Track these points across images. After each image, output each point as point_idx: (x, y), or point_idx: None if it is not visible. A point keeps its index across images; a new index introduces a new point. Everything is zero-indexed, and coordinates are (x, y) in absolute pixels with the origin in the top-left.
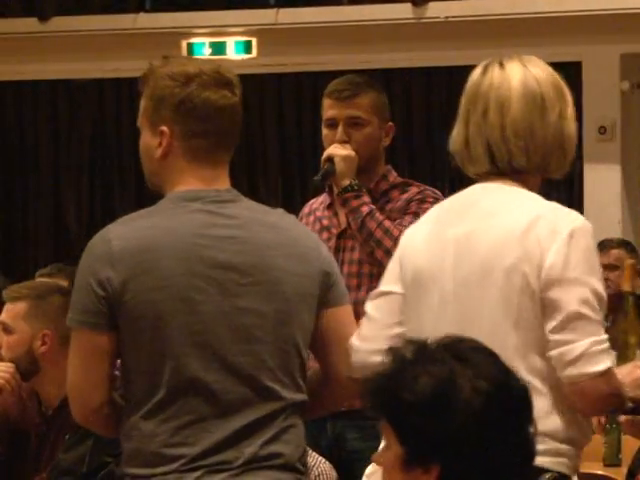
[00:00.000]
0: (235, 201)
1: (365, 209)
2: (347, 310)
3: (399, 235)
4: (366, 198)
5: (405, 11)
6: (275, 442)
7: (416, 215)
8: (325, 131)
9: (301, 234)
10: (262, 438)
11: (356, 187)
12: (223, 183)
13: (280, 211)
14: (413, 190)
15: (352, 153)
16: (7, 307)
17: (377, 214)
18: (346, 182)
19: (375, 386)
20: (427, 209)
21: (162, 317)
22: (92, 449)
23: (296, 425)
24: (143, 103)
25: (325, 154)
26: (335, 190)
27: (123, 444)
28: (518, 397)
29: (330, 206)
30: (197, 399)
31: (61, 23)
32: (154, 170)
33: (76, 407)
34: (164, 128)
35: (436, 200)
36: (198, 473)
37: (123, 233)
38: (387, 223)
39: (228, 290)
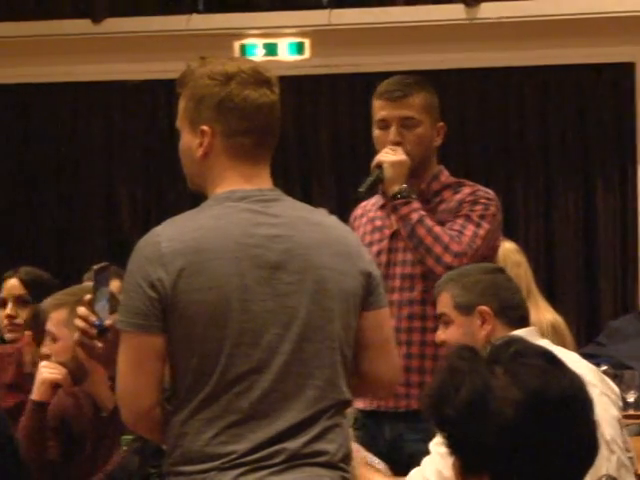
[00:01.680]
0: (279, 200)
1: (415, 216)
2: (386, 313)
3: (449, 241)
4: (416, 204)
5: (458, 12)
6: (319, 440)
7: (467, 218)
8: (377, 132)
9: (345, 233)
10: (306, 437)
11: (405, 193)
12: (265, 181)
13: (323, 210)
14: (465, 190)
15: (403, 158)
16: (51, 316)
17: (427, 220)
18: (395, 188)
19: (427, 401)
20: (479, 211)
21: (214, 317)
22: (139, 465)
23: (340, 424)
24: (182, 104)
25: (375, 161)
26: (385, 195)
27: (168, 442)
28: (556, 403)
29: (383, 207)
30: (243, 398)
31: (114, 24)
32: (195, 170)
33: (126, 411)
34: (205, 127)
35: (489, 200)
36: (239, 470)
37: (172, 235)
38: (437, 229)
39: (277, 289)
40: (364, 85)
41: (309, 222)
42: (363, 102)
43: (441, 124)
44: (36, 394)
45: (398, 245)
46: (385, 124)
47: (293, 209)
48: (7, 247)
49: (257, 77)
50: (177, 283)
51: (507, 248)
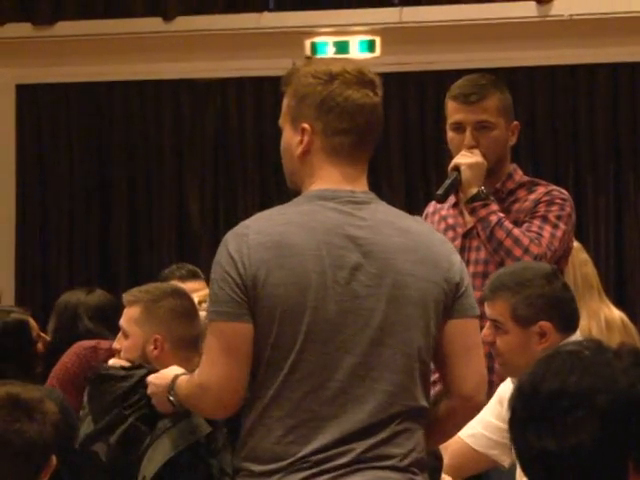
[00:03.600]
0: (370, 203)
1: (494, 218)
2: (473, 323)
3: (529, 244)
4: (494, 206)
5: (529, 9)
6: (386, 444)
7: (544, 219)
8: (451, 134)
9: (434, 241)
10: (373, 440)
11: (483, 195)
12: (360, 183)
13: (418, 218)
14: (540, 190)
15: (480, 160)
16: (125, 311)
17: (506, 222)
18: (473, 190)
19: None
20: (556, 211)
21: (290, 312)
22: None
23: (412, 430)
24: (285, 101)
25: (452, 163)
26: (462, 198)
27: (243, 438)
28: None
29: (455, 205)
30: (313, 397)
31: (185, 23)
32: (294, 168)
33: (217, 402)
34: (305, 125)
35: (564, 201)
36: (305, 474)
37: (260, 228)
38: (516, 232)
39: (355, 291)
40: (435, 83)
41: (396, 227)
42: (434, 100)
43: (515, 123)
44: None
45: (471, 244)
46: (460, 127)
47: (383, 213)
48: (83, 239)
49: (361, 78)
50: (259, 275)
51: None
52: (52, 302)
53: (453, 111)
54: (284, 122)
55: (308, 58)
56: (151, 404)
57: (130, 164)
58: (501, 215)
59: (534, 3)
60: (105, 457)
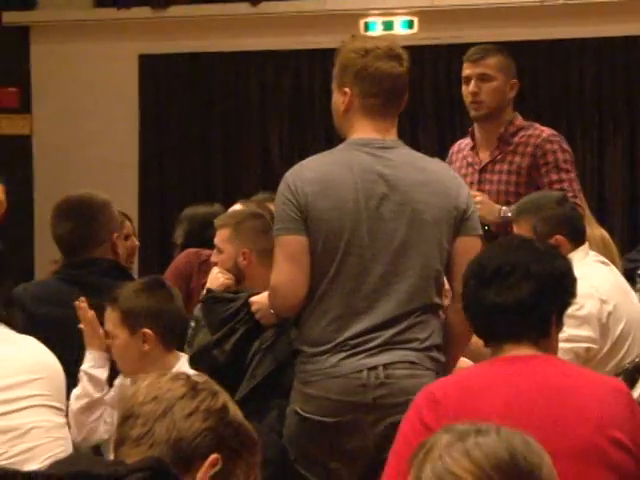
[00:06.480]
0: (396, 148)
1: None
2: (475, 240)
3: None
4: None
5: None
6: (407, 332)
7: (559, 169)
8: (463, 87)
9: (445, 177)
10: (397, 328)
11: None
12: (390, 134)
13: (435, 159)
14: (537, 132)
15: (483, 198)
16: (217, 232)
17: None
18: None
19: None
20: (563, 159)
21: (332, 231)
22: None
23: (428, 321)
24: (335, 70)
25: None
26: (481, 158)
27: (300, 328)
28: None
29: (473, 148)
30: (350, 296)
31: (268, 7)
32: (340, 121)
33: (282, 301)
34: (346, 89)
35: (561, 142)
36: (344, 354)
37: (310, 166)
38: None
39: (382, 215)
40: (460, 54)
41: (415, 166)
42: (459, 67)
43: (514, 81)
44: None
45: (485, 177)
46: (467, 79)
47: (406, 156)
48: (187, 182)
49: (389, 53)
50: (309, 202)
51: None
52: (167, 228)
53: (464, 68)
54: (334, 86)
55: (353, 36)
56: (255, 320)
57: (225, 117)
58: None
59: None
60: (223, 359)
